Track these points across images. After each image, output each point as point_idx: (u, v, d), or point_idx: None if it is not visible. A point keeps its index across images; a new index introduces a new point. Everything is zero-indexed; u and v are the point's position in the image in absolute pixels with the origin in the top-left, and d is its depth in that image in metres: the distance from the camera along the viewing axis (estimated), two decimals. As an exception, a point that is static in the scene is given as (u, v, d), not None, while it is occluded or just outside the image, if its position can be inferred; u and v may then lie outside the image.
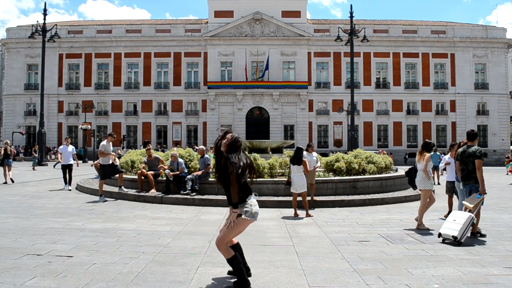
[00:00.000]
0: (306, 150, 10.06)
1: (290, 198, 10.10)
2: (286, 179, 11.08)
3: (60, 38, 33.83)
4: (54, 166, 25.04)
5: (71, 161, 13.61)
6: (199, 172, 11.01)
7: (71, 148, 13.75)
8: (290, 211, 9.28)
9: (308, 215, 8.55)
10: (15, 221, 7.69)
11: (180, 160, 11.33)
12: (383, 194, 11.36)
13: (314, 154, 10.69)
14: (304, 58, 42.57)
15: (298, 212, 8.73)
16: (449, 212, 9.01)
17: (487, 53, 43.21)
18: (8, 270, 4.60)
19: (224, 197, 10.18)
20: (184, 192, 10.58)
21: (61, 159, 13.70)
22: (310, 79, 42.48)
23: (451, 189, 8.89)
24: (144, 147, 18.72)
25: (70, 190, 13.09)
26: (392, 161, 15.21)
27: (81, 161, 34.90)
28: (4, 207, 9.35)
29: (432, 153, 18.68)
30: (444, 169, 9.79)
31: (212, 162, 12.02)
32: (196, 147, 13.30)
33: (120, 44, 42.81)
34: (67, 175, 13.49)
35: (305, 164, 8.77)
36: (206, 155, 11.36)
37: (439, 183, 17.28)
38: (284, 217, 8.43)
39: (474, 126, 43.01)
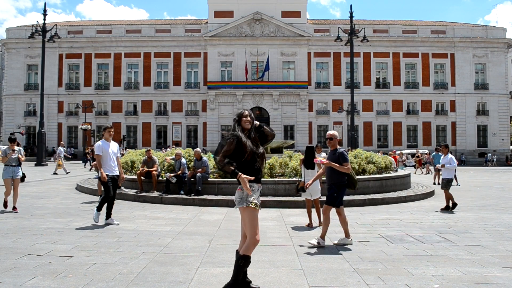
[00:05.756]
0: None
1: (290, 198, 10.12)
2: (286, 178, 11.11)
3: (60, 38, 33.82)
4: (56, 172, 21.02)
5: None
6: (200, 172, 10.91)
7: (115, 147, 7.78)
8: (290, 212, 9.28)
9: (321, 223, 7.61)
10: (15, 221, 7.69)
11: (183, 160, 11.32)
12: (383, 194, 11.36)
13: (323, 154, 10.59)
14: (304, 58, 42.56)
15: (302, 217, 8.52)
16: (454, 204, 9.57)
17: (487, 53, 43.19)
18: (8, 270, 4.60)
19: (223, 197, 10.21)
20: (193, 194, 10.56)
21: (95, 165, 8.66)
22: (310, 79, 42.48)
23: (446, 185, 9.76)
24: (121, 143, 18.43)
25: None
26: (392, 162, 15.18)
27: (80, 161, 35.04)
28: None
29: (434, 153, 18.78)
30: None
31: (212, 162, 12.02)
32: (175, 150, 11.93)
33: (120, 44, 42.80)
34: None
35: (319, 165, 8.25)
36: (204, 158, 11.24)
37: (439, 183, 17.27)
38: (294, 227, 7.38)
39: (474, 126, 43.07)
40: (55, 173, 20.63)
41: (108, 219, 7.51)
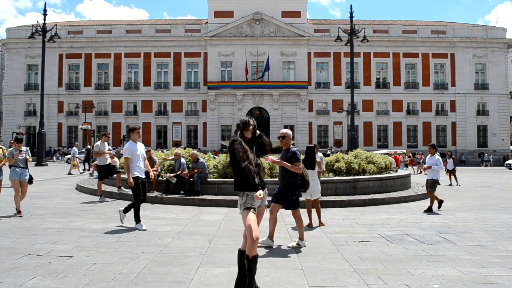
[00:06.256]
0: None
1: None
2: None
3: (60, 38, 33.80)
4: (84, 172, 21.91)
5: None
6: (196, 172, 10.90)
7: (143, 148, 7.61)
8: (290, 212, 9.25)
9: (321, 223, 7.69)
10: (15, 221, 7.69)
11: (183, 160, 11.31)
12: (383, 194, 11.36)
13: (319, 154, 10.59)
14: (304, 58, 42.55)
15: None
16: (429, 208, 9.44)
17: (487, 53, 43.17)
18: (8, 270, 4.60)
19: (223, 197, 10.22)
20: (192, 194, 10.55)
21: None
22: (310, 79, 42.47)
23: (431, 186, 9.71)
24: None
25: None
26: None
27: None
28: (4, 207, 9.35)
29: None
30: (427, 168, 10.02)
31: (213, 162, 12.03)
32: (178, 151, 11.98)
33: (120, 44, 42.79)
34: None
35: (319, 164, 8.07)
36: (200, 159, 11.21)
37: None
38: (294, 228, 7.20)
39: (474, 126, 43.07)
40: (81, 172, 21.44)
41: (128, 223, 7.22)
